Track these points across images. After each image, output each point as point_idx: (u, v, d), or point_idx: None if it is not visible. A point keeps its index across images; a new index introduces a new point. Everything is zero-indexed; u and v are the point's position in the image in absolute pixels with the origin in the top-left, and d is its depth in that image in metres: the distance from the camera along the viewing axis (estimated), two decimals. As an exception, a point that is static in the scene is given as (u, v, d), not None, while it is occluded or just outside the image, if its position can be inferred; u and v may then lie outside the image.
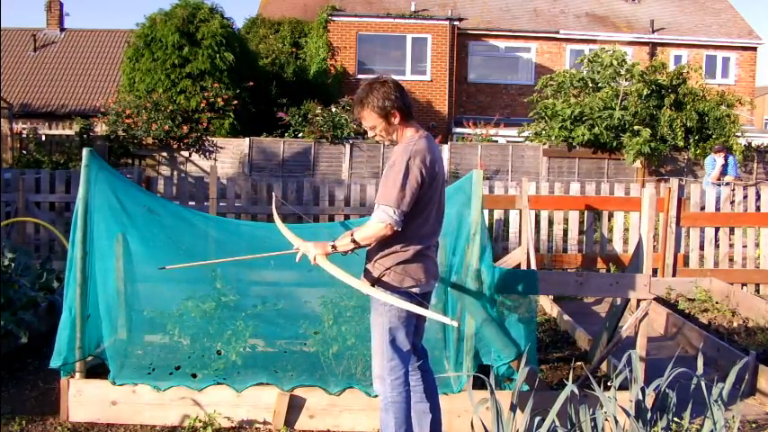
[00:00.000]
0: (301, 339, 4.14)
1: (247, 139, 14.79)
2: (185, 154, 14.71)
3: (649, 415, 2.89)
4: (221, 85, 15.01)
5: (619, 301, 4.56)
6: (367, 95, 2.98)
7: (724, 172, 10.77)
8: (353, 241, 2.95)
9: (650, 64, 16.04)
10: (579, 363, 4.78)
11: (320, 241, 3.06)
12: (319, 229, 5.03)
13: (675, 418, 3.01)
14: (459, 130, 18.53)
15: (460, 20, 19.27)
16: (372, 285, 3.01)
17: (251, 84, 15.79)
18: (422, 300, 3.04)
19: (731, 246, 7.84)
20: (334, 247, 2.99)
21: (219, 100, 14.92)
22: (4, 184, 8.51)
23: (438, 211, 3.09)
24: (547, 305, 6.48)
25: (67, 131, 17.25)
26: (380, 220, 2.88)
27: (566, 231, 8.05)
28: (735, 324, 5.91)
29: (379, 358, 3.05)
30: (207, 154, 14.76)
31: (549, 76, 15.81)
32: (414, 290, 2.99)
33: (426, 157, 2.93)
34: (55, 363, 3.76)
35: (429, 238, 3.05)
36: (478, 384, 3.40)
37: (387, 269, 2.97)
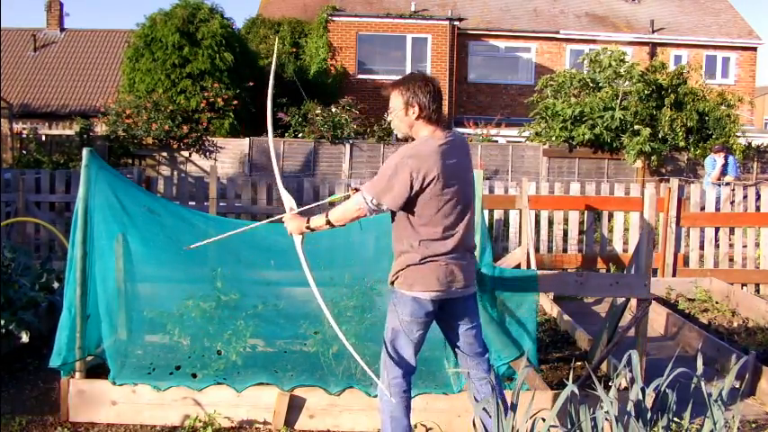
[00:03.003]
0: (301, 339, 4.14)
1: (247, 139, 14.79)
2: (185, 154, 14.70)
3: (649, 415, 2.89)
4: (221, 85, 15.00)
5: (619, 301, 4.56)
6: (404, 80, 3.02)
7: (724, 172, 10.77)
8: (328, 222, 3.01)
9: (650, 64, 16.04)
10: (579, 363, 4.77)
11: (297, 217, 3.11)
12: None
13: (675, 418, 3.00)
14: (459, 130, 18.49)
15: (460, 20, 19.25)
16: (391, 284, 3.05)
17: (251, 84, 15.78)
18: (433, 308, 2.99)
19: (731, 246, 7.83)
20: (308, 226, 3.06)
21: (219, 100, 14.91)
22: (4, 184, 8.51)
23: (458, 216, 2.96)
24: (547, 305, 6.47)
25: (67, 131, 17.22)
26: (356, 203, 2.93)
27: (566, 231, 8.04)
28: (735, 324, 5.91)
29: (383, 351, 3.09)
30: (207, 154, 14.75)
31: (549, 76, 15.80)
32: (423, 295, 2.95)
33: (424, 163, 2.85)
34: (54, 362, 3.76)
35: (444, 243, 2.94)
36: (478, 384, 3.40)
37: (399, 271, 2.99)
